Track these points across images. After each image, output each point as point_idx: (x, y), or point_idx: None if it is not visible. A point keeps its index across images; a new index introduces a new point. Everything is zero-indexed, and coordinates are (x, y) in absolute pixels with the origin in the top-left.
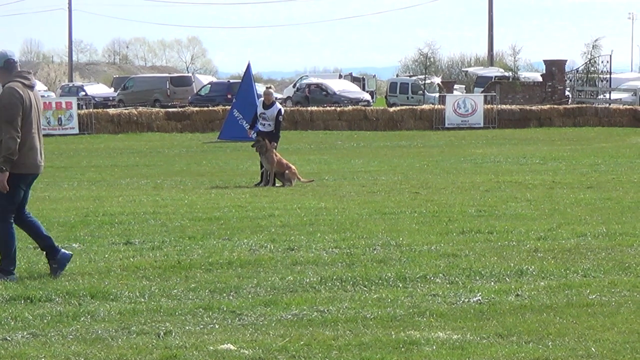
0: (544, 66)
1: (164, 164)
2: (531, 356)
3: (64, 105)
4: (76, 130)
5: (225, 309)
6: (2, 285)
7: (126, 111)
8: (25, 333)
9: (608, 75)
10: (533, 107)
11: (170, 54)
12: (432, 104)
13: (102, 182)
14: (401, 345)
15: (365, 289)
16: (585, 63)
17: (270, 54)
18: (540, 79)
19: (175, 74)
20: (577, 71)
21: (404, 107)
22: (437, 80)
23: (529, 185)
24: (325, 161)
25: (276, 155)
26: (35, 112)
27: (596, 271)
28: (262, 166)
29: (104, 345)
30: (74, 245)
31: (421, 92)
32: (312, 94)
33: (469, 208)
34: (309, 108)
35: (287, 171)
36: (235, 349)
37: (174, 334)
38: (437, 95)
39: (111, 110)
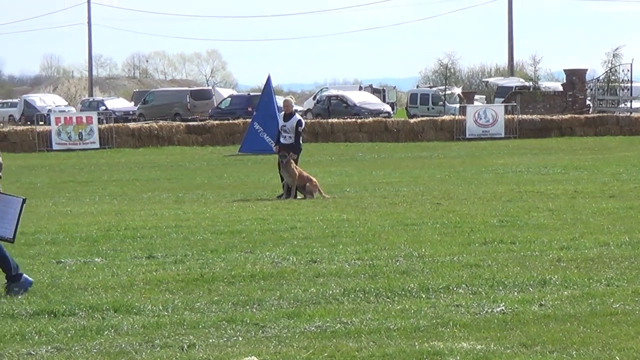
0: (565, 75)
1: (185, 177)
2: None
3: (84, 120)
4: (97, 145)
5: (248, 321)
6: (26, 300)
7: (147, 125)
8: (49, 347)
9: (629, 84)
10: (554, 117)
11: (190, 67)
12: (453, 114)
13: (124, 196)
14: (425, 357)
15: (388, 300)
16: (606, 72)
17: (290, 66)
18: (561, 89)
19: (195, 88)
20: (598, 80)
21: (424, 118)
22: (458, 90)
23: (551, 195)
24: (347, 173)
25: (297, 168)
26: None
27: (619, 280)
28: (282, 178)
29: (128, 359)
30: (96, 259)
31: (442, 103)
32: (333, 105)
33: (491, 218)
34: (329, 120)
35: (308, 183)
36: None
37: (197, 347)
38: (457, 106)
39: (132, 125)
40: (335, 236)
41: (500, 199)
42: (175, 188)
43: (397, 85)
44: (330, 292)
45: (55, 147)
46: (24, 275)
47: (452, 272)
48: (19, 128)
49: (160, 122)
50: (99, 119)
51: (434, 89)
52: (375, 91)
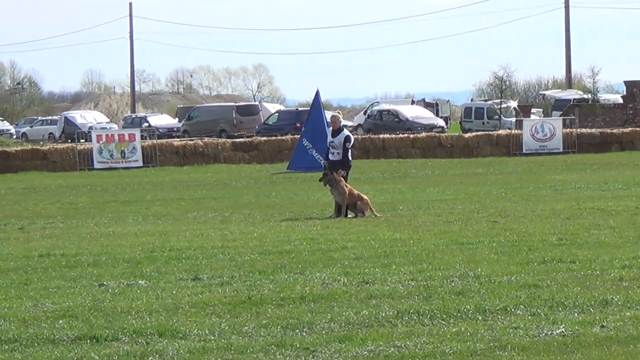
0: (625, 87)
1: (231, 196)
2: None
3: (127, 137)
4: (140, 163)
5: (298, 345)
6: (67, 325)
7: (191, 142)
8: None
9: None
10: (614, 130)
11: (235, 82)
12: (509, 129)
13: (168, 216)
14: None
15: (443, 322)
16: None
17: (339, 80)
18: (621, 101)
19: (242, 103)
20: None
21: (479, 133)
22: (514, 104)
23: (612, 212)
24: (399, 190)
25: (347, 186)
26: None
27: None
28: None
29: None
30: (140, 282)
31: (497, 116)
32: (384, 120)
33: (549, 236)
34: (381, 135)
35: (359, 202)
36: None
37: None
38: (513, 119)
39: (176, 142)
40: (388, 256)
41: (559, 216)
42: (222, 207)
43: (451, 99)
44: (383, 314)
45: (96, 165)
46: None
47: (509, 292)
48: (59, 146)
49: (206, 139)
50: (141, 136)
51: (489, 102)
52: (427, 105)
